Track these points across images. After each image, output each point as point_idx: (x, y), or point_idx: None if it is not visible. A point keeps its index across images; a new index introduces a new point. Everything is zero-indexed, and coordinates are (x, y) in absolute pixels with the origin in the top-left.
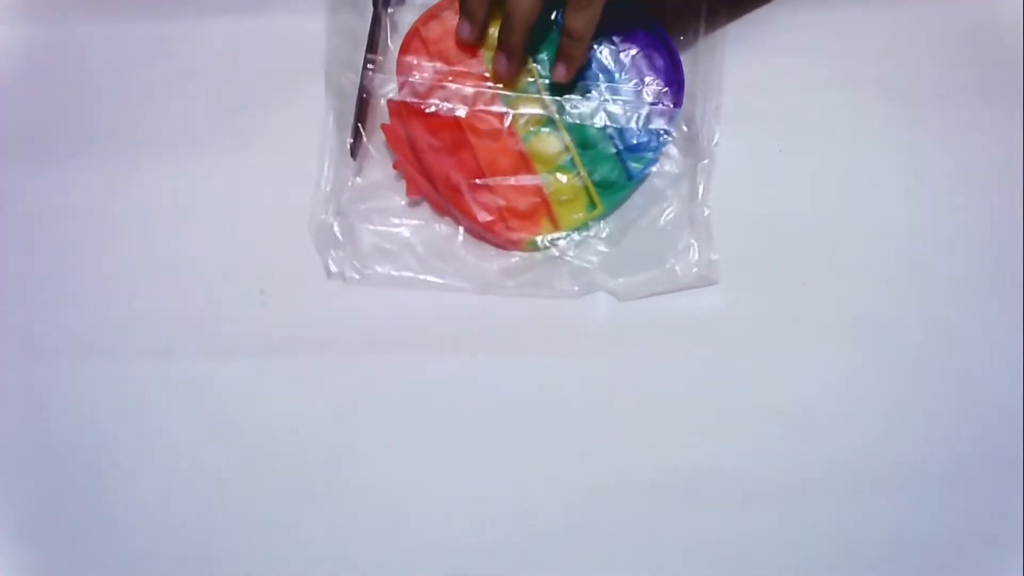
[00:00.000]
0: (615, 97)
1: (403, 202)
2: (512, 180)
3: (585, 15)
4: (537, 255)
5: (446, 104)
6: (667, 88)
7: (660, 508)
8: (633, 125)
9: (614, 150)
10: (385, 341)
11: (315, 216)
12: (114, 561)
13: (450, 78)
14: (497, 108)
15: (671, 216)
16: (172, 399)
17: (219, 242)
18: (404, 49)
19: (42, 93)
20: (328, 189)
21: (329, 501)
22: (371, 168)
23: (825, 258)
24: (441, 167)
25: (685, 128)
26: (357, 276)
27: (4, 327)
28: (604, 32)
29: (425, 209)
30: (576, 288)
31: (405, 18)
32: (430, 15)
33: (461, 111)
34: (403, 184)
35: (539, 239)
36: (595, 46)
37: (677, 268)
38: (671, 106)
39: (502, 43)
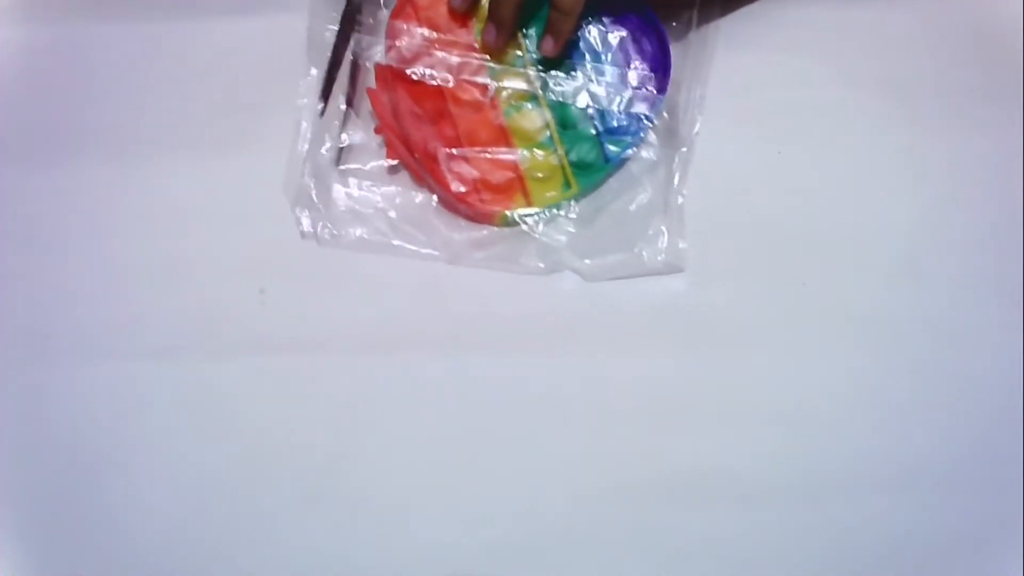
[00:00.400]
0: (599, 78)
1: (382, 164)
2: (489, 153)
3: None
4: (507, 230)
5: (431, 71)
6: (653, 74)
7: (660, 508)
8: (615, 108)
9: (594, 131)
10: (384, 341)
11: (291, 175)
12: (114, 561)
13: (437, 46)
14: (482, 79)
15: (644, 202)
16: (172, 399)
17: (219, 242)
18: (395, 14)
19: (42, 93)
20: (305, 149)
21: (329, 500)
22: (353, 131)
23: (807, 256)
24: (421, 135)
25: (667, 115)
26: (329, 237)
27: (4, 327)
28: (595, 12)
29: (401, 177)
30: (542, 265)
31: None
32: None
33: (446, 79)
34: (382, 149)
35: (510, 214)
36: (584, 25)
37: (644, 253)
38: (655, 92)
39: (492, 14)
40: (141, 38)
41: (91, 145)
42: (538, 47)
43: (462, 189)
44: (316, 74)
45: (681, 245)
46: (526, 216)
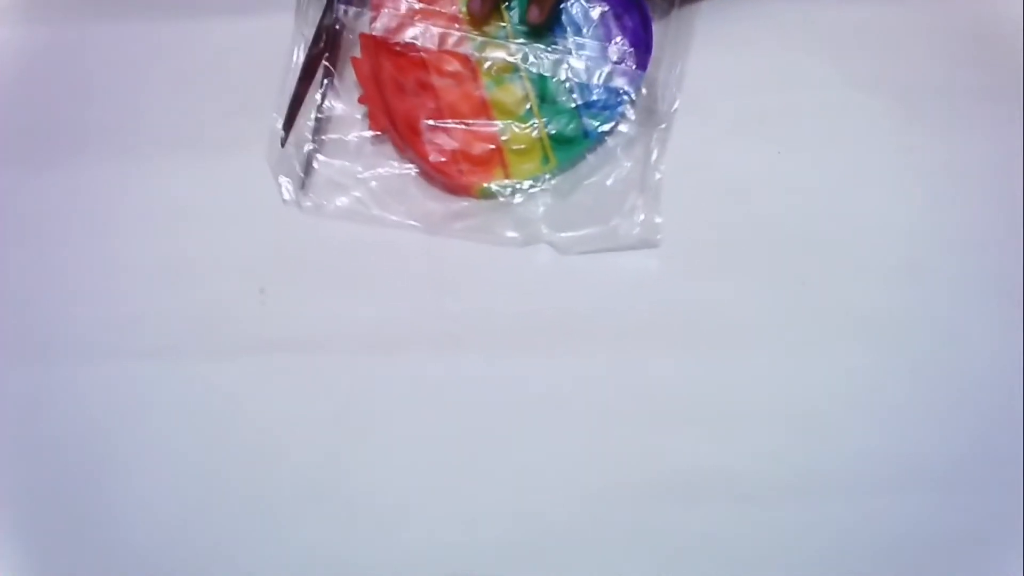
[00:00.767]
0: (580, 52)
1: (363, 137)
2: (469, 125)
3: None
4: (486, 203)
5: (415, 41)
6: (633, 49)
7: (660, 508)
8: (595, 81)
9: (573, 105)
10: (379, 340)
11: (273, 143)
12: (114, 561)
13: (421, 16)
14: (464, 50)
15: (621, 177)
16: (172, 399)
17: (219, 242)
18: None
19: (42, 93)
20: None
21: (329, 500)
22: (336, 101)
23: (805, 254)
24: (403, 105)
25: (646, 92)
26: (310, 204)
27: (4, 327)
28: None
29: (383, 148)
30: (519, 236)
31: None
32: None
33: (429, 49)
34: (365, 121)
35: (489, 186)
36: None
37: (620, 227)
38: (635, 68)
39: None
40: (141, 38)
41: (91, 145)
42: (523, 16)
43: (442, 160)
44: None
45: (657, 220)
46: (503, 187)
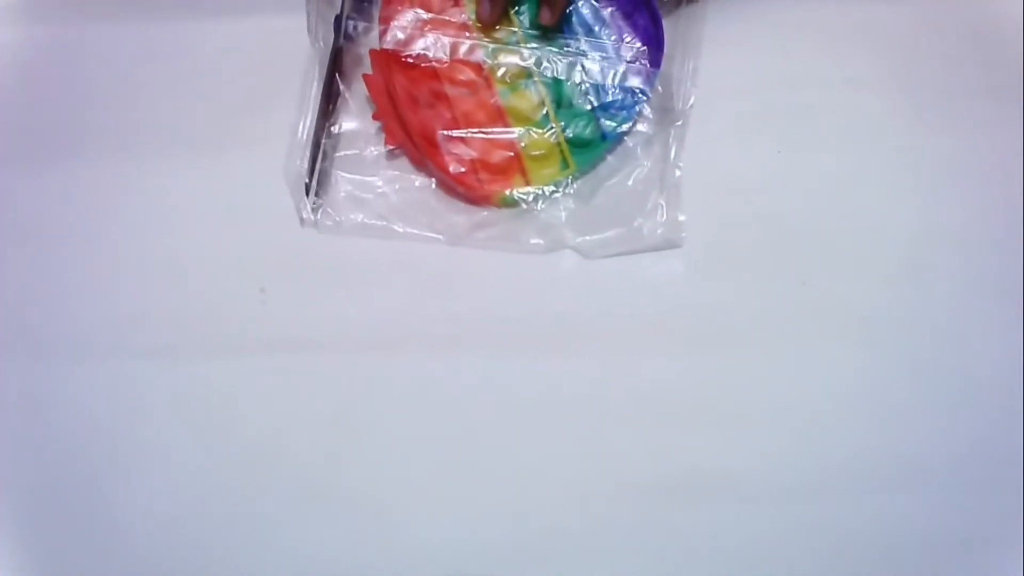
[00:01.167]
0: (593, 53)
1: (379, 152)
2: (487, 133)
3: None
4: (507, 211)
5: (426, 52)
6: (646, 48)
7: (661, 507)
8: (610, 82)
9: (589, 108)
10: (381, 339)
11: (291, 162)
12: (114, 561)
13: (431, 27)
14: (476, 58)
15: (641, 176)
16: (172, 398)
17: (219, 241)
18: None
19: (42, 93)
20: (305, 137)
21: (329, 500)
22: (349, 118)
23: (806, 253)
24: (418, 118)
25: (661, 89)
26: (331, 223)
27: (4, 327)
28: None
29: (400, 161)
30: (542, 243)
31: None
32: None
33: (441, 59)
34: (380, 135)
35: (509, 193)
36: (578, 1)
37: (644, 228)
38: (649, 66)
39: None
40: (141, 38)
41: (91, 145)
42: (533, 20)
43: (461, 170)
44: (315, 61)
45: (680, 218)
46: (524, 194)
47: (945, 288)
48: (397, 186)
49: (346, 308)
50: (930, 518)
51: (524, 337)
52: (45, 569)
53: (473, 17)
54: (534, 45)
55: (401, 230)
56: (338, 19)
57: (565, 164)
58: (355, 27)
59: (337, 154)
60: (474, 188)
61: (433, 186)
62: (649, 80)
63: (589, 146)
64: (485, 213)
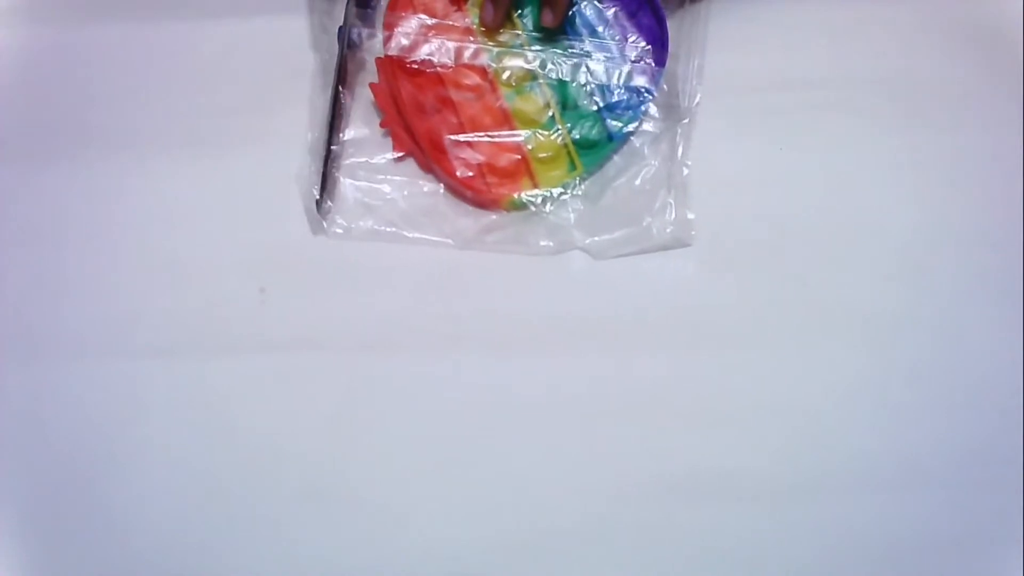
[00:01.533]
0: (598, 54)
1: (387, 158)
2: (493, 137)
3: None
4: (516, 214)
5: (431, 58)
6: (650, 47)
7: (661, 507)
8: (615, 82)
9: (595, 108)
10: (382, 339)
11: (292, 163)
12: (113, 561)
13: (435, 32)
14: (481, 63)
15: (649, 176)
16: (172, 398)
17: (219, 241)
18: (392, 5)
19: (42, 93)
20: (311, 145)
21: (329, 500)
22: (357, 125)
23: (807, 253)
24: (425, 125)
25: (666, 88)
26: (340, 230)
27: (4, 327)
28: None
29: (408, 167)
30: (552, 245)
31: None
32: None
33: (446, 64)
34: (387, 141)
35: (518, 196)
36: (580, 1)
37: (653, 227)
38: (653, 65)
39: None
40: (142, 39)
41: (91, 145)
42: (536, 23)
43: (469, 175)
44: (319, 69)
45: (689, 216)
46: (533, 197)
47: (945, 287)
48: (405, 192)
49: (351, 309)
50: (930, 518)
51: (533, 339)
52: (45, 569)
53: (477, 21)
54: (538, 47)
55: (411, 235)
56: (341, 28)
57: (572, 166)
58: (359, 34)
59: (345, 161)
60: (483, 192)
61: (441, 191)
62: (654, 79)
63: (596, 147)
64: (494, 217)
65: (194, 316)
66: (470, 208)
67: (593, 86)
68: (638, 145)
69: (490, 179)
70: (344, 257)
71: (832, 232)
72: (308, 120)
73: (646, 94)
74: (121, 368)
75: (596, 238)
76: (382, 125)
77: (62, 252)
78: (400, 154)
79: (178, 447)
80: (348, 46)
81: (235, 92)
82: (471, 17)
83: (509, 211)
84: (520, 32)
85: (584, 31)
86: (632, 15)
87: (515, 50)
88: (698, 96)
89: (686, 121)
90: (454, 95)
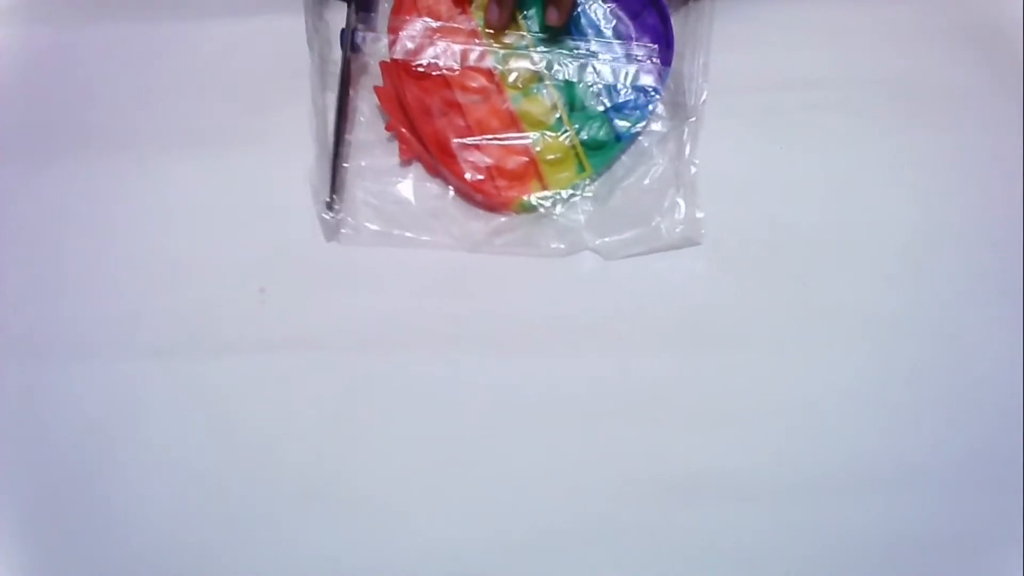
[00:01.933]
0: (604, 54)
1: (395, 162)
2: (501, 140)
3: None
4: (525, 216)
5: (436, 61)
6: (656, 46)
7: (662, 507)
8: (621, 82)
9: (602, 109)
10: (385, 339)
11: (293, 163)
12: (113, 561)
13: (440, 35)
14: (487, 65)
15: (658, 175)
16: (171, 398)
17: (219, 241)
18: (396, 9)
19: (42, 93)
20: (318, 150)
21: (329, 500)
22: (363, 129)
23: (808, 254)
24: (432, 128)
25: (672, 87)
26: (350, 234)
27: (4, 327)
28: None
29: (416, 170)
30: (562, 246)
31: None
32: None
33: (451, 67)
34: (394, 144)
35: (527, 199)
36: (585, 2)
37: (663, 226)
38: (659, 64)
39: None
40: (142, 38)
41: (90, 145)
42: (542, 24)
43: (479, 178)
44: (318, 72)
45: (698, 215)
46: (542, 199)
47: (945, 287)
48: (414, 195)
49: (354, 310)
50: (930, 518)
51: (546, 341)
52: (45, 569)
53: (481, 23)
54: (544, 49)
55: (420, 239)
56: (344, 31)
57: (581, 167)
58: (363, 38)
59: (352, 165)
60: (492, 195)
61: (451, 194)
62: (661, 78)
63: (604, 147)
64: (503, 219)
65: (194, 316)
66: (479, 211)
67: (600, 86)
68: (646, 145)
69: (499, 182)
70: (347, 258)
71: (832, 232)
72: (309, 120)
73: (653, 93)
74: (121, 368)
75: (606, 239)
76: (388, 128)
77: (62, 252)
78: (407, 158)
79: (178, 447)
80: (352, 48)
81: (235, 92)
82: (476, 19)
83: (518, 213)
84: (525, 33)
85: (589, 31)
86: (637, 14)
87: (521, 52)
88: (704, 94)
89: (693, 119)
90: (460, 98)
